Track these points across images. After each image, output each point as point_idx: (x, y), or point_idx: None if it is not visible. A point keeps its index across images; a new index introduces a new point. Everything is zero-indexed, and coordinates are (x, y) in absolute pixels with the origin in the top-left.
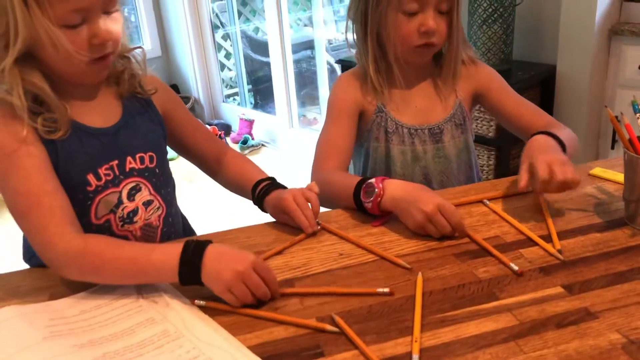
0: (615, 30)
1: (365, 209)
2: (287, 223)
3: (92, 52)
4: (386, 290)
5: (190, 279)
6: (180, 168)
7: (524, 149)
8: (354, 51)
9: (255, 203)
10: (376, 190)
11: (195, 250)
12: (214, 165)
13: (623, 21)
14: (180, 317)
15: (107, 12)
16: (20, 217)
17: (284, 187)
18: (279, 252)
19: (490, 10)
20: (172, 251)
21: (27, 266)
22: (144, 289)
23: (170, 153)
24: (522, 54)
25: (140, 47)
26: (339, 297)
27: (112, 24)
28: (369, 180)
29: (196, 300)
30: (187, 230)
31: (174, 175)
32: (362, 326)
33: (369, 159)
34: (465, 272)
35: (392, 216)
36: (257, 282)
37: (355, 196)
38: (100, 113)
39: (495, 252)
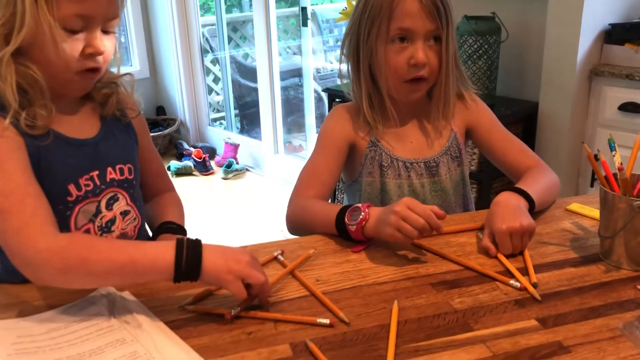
0: (596, 71)
1: (347, 233)
2: None
3: (84, 60)
4: (326, 321)
5: (187, 274)
6: None
7: (489, 210)
8: (344, 81)
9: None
10: (362, 214)
11: (191, 245)
12: (149, 197)
13: (604, 62)
14: (152, 339)
15: (105, 30)
16: None
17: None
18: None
19: (475, 46)
20: (166, 245)
21: None
22: (116, 309)
23: None
24: (506, 90)
25: (129, 74)
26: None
27: (106, 42)
28: (356, 205)
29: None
30: None
31: None
32: (335, 353)
33: (362, 194)
34: (441, 302)
35: (372, 243)
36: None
37: (338, 221)
38: (80, 126)
39: (492, 273)
